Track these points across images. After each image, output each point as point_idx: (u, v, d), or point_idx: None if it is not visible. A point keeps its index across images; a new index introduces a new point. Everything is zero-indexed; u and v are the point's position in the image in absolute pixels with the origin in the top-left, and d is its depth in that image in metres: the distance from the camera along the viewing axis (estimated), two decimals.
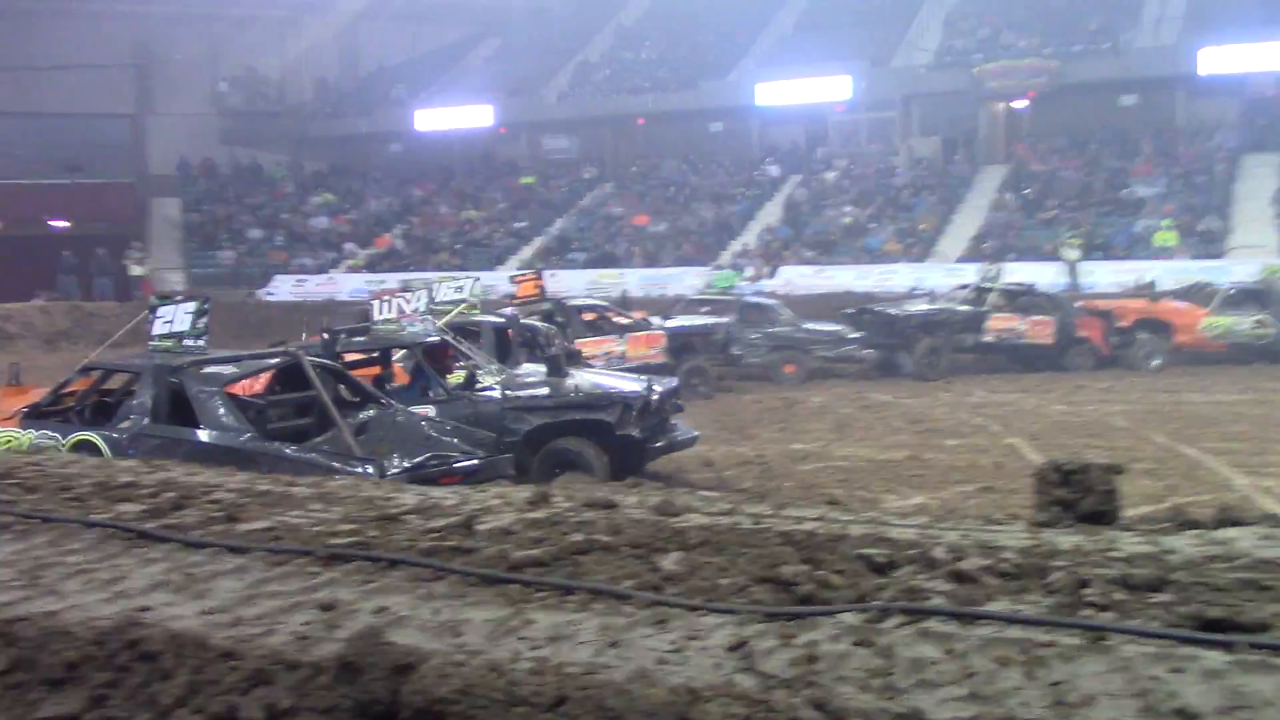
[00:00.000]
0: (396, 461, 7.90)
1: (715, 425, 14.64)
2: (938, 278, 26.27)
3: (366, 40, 47.27)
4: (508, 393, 10.14)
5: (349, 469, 7.41)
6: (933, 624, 2.98)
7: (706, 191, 36.64)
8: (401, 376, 10.94)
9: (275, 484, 5.26)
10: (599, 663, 2.87)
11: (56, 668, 3.23)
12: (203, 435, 8.05)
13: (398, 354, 11.15)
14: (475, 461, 8.24)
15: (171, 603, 3.56)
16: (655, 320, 18.76)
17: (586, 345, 16.60)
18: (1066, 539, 3.82)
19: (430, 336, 10.88)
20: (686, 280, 28.60)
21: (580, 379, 10.83)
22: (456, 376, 10.54)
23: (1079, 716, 2.39)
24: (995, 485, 10.31)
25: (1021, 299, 20.84)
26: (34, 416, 8.85)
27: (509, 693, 2.66)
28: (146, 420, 8.20)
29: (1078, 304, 21.37)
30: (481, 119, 39.70)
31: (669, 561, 3.70)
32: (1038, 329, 20.20)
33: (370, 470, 7.44)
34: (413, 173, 42.10)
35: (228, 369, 8.82)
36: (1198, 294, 21.21)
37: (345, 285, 32.19)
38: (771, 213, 34.56)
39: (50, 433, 8.38)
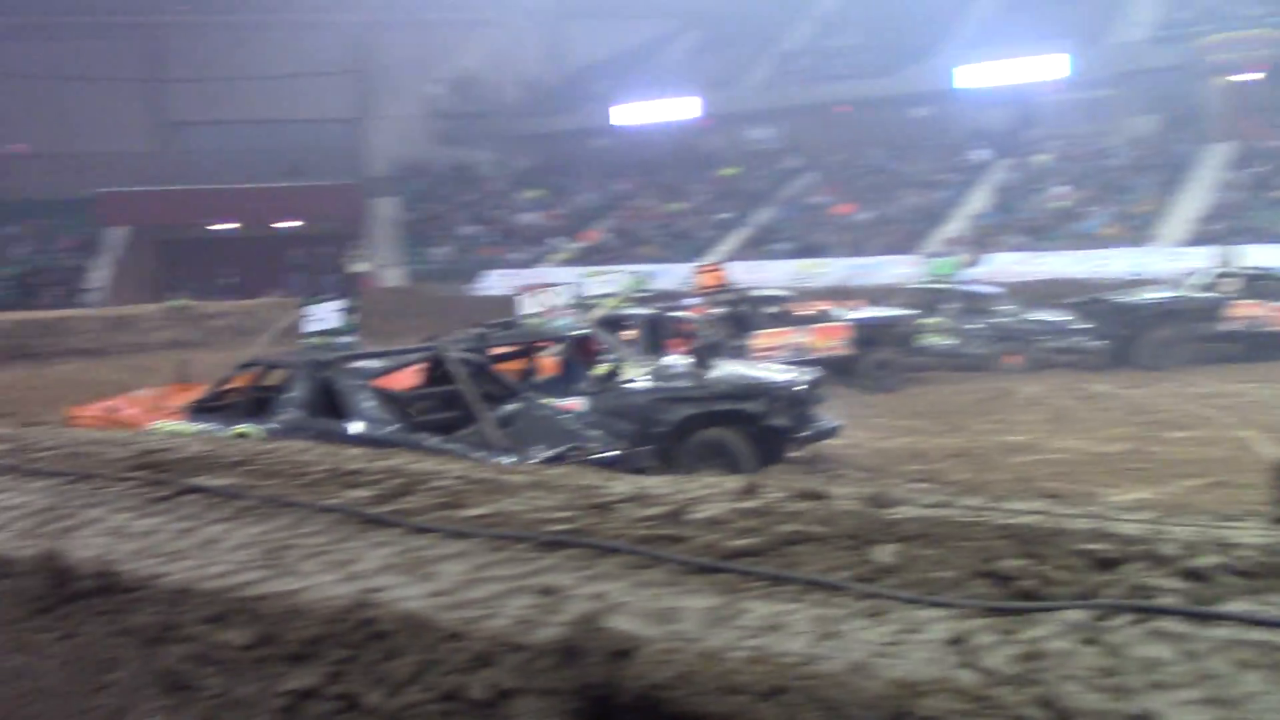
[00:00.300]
0: (537, 452, 8.09)
1: (924, 417, 14.37)
2: (1159, 263, 25.07)
3: (570, 38, 48.20)
4: (656, 384, 10.32)
5: (489, 459, 7.61)
6: (1165, 623, 2.86)
7: (911, 178, 35.94)
8: (546, 369, 11.25)
9: (493, 472, 5.43)
10: (815, 653, 2.87)
11: (297, 643, 3.42)
12: (351, 427, 8.37)
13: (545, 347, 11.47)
14: (616, 452, 8.42)
15: (400, 584, 3.73)
16: (838, 312, 18.53)
17: (768, 337, 16.54)
18: None
19: (577, 330, 11.14)
20: (892, 269, 28.14)
21: (727, 370, 10.98)
22: (601, 369, 10.80)
23: None
24: (1226, 480, 9.78)
25: (1261, 284, 19.59)
26: (197, 411, 9.34)
27: (726, 680, 2.69)
28: (300, 413, 8.60)
29: None
30: (683, 112, 39.97)
31: (884, 553, 3.66)
32: None
33: (512, 460, 7.63)
34: (617, 167, 42.69)
35: (374, 364, 9.18)
36: None
37: (553, 279, 32.88)
38: (979, 198, 33.63)
39: (213, 426, 8.77)
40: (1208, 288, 19.54)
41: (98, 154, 40.49)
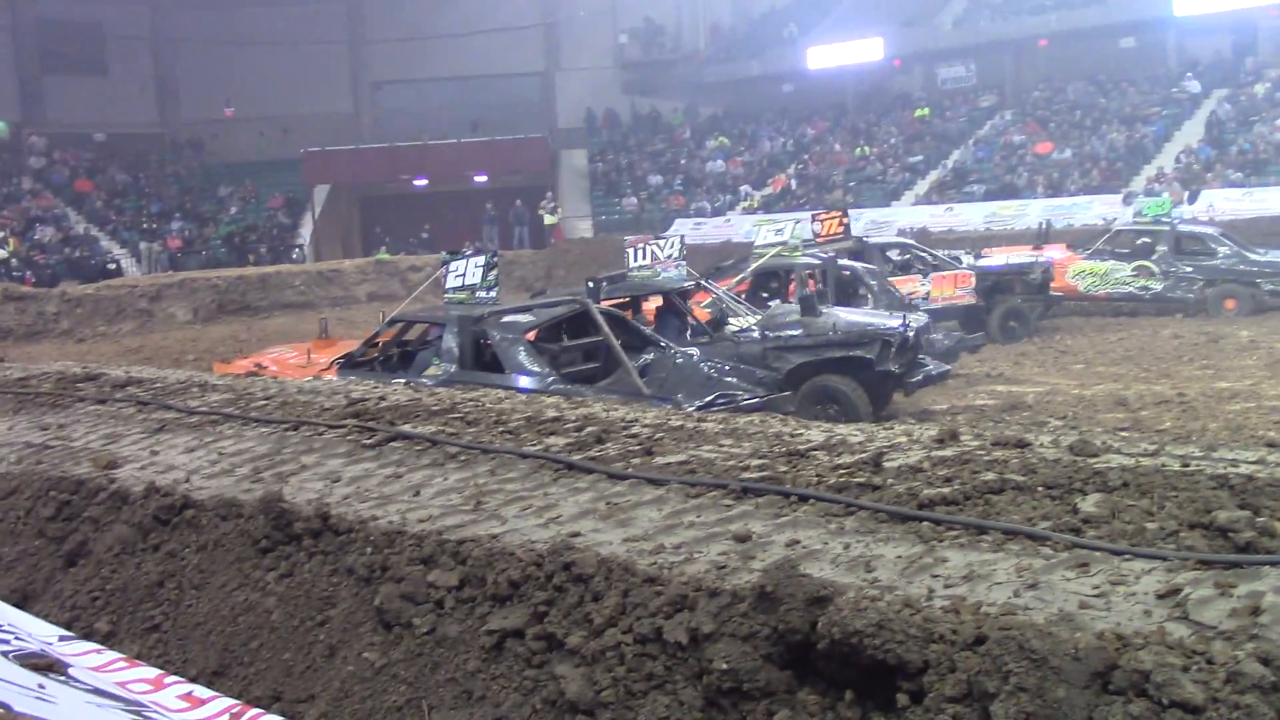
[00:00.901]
0: (687, 400, 8.24)
1: (1129, 363, 13.80)
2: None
3: None
4: (768, 333, 10.41)
5: (656, 403, 7.73)
6: None
7: (1116, 113, 34.24)
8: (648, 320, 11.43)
9: (687, 420, 5.48)
10: (1017, 604, 2.82)
11: (502, 585, 3.54)
12: (510, 380, 8.57)
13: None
14: (758, 399, 8.57)
15: (599, 529, 3.81)
16: (966, 259, 17.82)
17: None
18: None
19: (685, 282, 11.29)
20: (1094, 209, 26.99)
21: (837, 317, 11.01)
22: (700, 318, 11.06)
23: None
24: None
25: None
26: (348, 365, 9.66)
27: (925, 629, 2.67)
28: (454, 367, 8.83)
29: None
30: (873, 53, 38.98)
31: (1088, 503, 3.55)
32: None
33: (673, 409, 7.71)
34: (805, 112, 42.06)
35: (524, 317, 9.36)
36: None
37: (740, 227, 32.75)
38: (1191, 133, 31.83)
39: (364, 380, 8.97)
40: None
41: (302, 115, 42.12)
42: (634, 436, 5.03)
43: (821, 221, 18.06)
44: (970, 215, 29.69)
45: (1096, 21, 35.41)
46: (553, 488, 4.39)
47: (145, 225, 37.31)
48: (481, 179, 40.91)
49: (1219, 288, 17.93)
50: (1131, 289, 18.67)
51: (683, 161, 41.00)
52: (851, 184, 35.35)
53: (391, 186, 41.83)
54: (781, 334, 10.43)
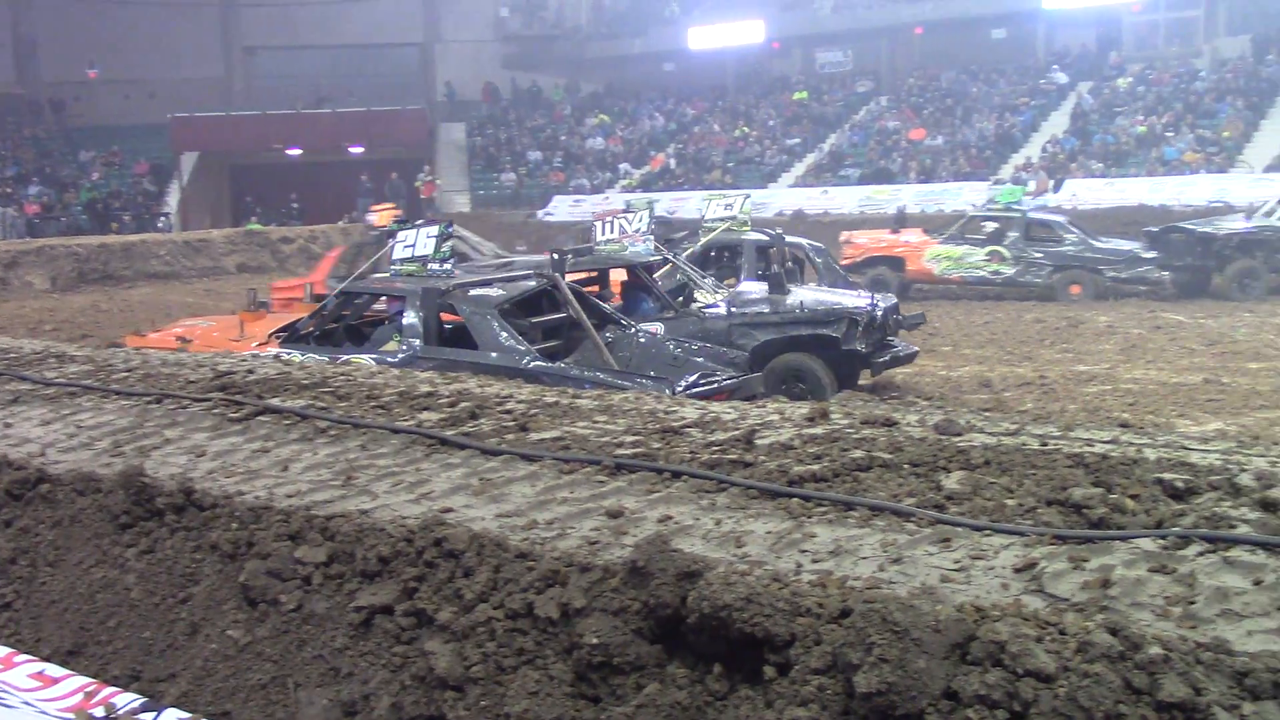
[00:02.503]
0: (682, 380, 7.97)
1: (992, 345, 14.20)
2: (1242, 190, 24.38)
3: None
4: (733, 309, 10.28)
5: (641, 389, 7.38)
6: (1239, 553, 2.83)
7: (987, 102, 35.17)
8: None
9: (562, 396, 5.47)
10: (882, 578, 2.88)
11: (371, 561, 3.50)
12: (484, 357, 8.17)
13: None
14: (734, 380, 8.35)
15: (471, 505, 3.79)
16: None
17: None
18: None
19: (653, 256, 11.05)
20: (964, 196, 27.68)
21: (804, 295, 10.89)
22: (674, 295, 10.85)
23: None
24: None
25: None
26: (293, 339, 9.04)
27: (792, 603, 2.71)
28: (419, 343, 8.37)
29: None
30: (754, 34, 39.35)
31: (952, 480, 3.65)
32: None
33: (665, 390, 7.46)
34: (686, 91, 42.26)
35: (494, 291, 8.91)
36: None
37: (619, 205, 32.77)
38: (1057, 123, 32.86)
39: (317, 356, 8.35)
40: None
41: (169, 80, 40.85)
42: (509, 412, 5.01)
43: (377, 213, 18.52)
44: (845, 199, 30.21)
45: (969, 12, 36.33)
46: (425, 463, 4.34)
47: (1, 190, 35.78)
48: (358, 150, 40.19)
49: (1065, 273, 18.66)
50: (984, 273, 19.31)
51: (563, 138, 40.87)
52: (730, 165, 35.66)
53: (264, 155, 40.79)
54: (747, 310, 10.33)
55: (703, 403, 5.47)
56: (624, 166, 37.55)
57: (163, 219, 36.45)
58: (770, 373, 9.72)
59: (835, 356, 9.94)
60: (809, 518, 3.43)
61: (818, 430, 4.40)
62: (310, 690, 3.34)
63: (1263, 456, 3.84)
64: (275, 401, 5.42)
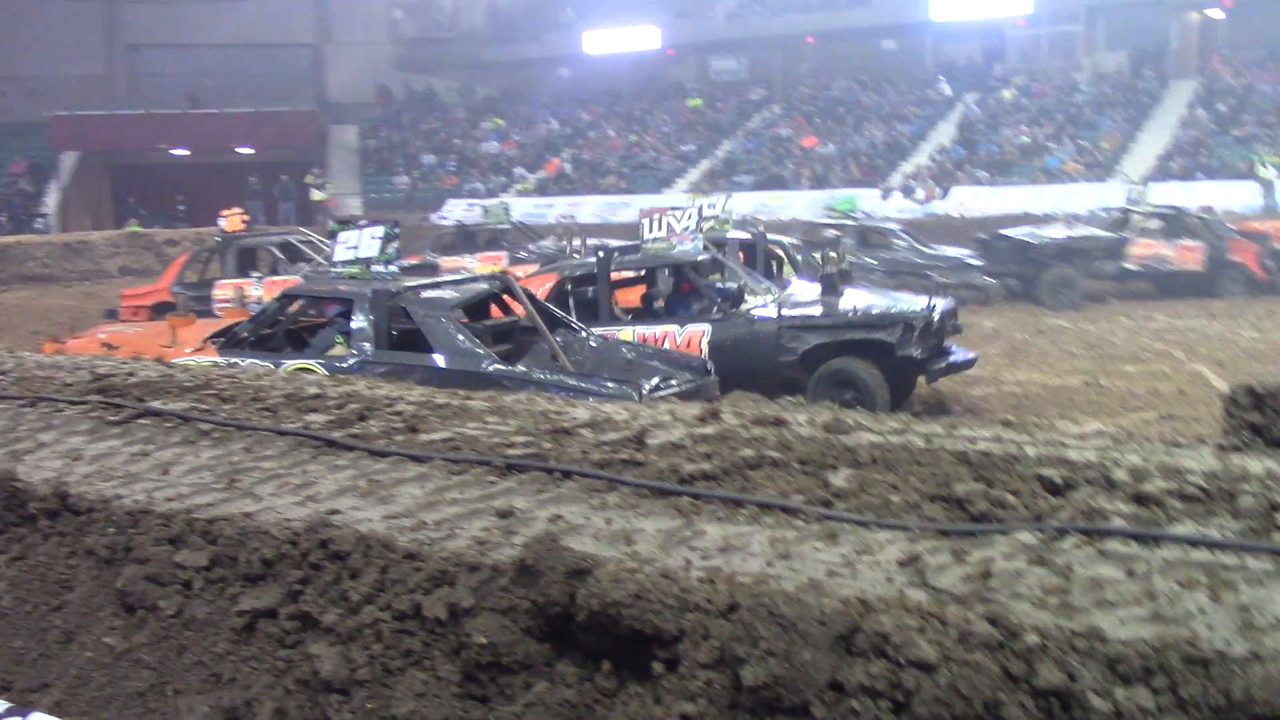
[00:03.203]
0: (646, 384, 7.74)
1: None
2: (1119, 198, 25.22)
3: None
4: (783, 311, 9.87)
5: (607, 393, 7.19)
6: (1113, 545, 2.92)
7: (877, 111, 35.82)
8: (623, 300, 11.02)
9: (453, 398, 5.42)
10: (770, 573, 2.90)
11: (254, 564, 3.42)
12: (443, 361, 7.84)
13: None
14: (695, 383, 8.17)
15: (358, 507, 3.73)
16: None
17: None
18: (1258, 463, 3.67)
19: (701, 255, 10.68)
20: (857, 203, 28.09)
21: (857, 297, 10.48)
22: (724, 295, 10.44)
23: (1269, 640, 2.31)
24: (1178, 413, 9.95)
25: (1169, 223, 19.77)
26: (230, 345, 8.68)
27: (681, 599, 2.72)
28: (370, 347, 8.04)
29: (1231, 226, 20.13)
30: (649, 41, 39.54)
31: (839, 478, 3.69)
32: (1185, 255, 19.11)
33: (631, 393, 7.25)
34: (581, 97, 42.29)
35: (448, 293, 8.60)
36: None
37: (515, 210, 32.62)
38: (944, 132, 33.61)
39: (260, 362, 8.05)
40: (1114, 226, 19.80)
41: (49, 77, 39.59)
42: (398, 414, 4.94)
43: (226, 218, 18.62)
44: (739, 205, 30.40)
45: (860, 22, 36.99)
46: (311, 465, 4.26)
47: None
48: (246, 151, 39.39)
49: (896, 279, 19.25)
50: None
51: (457, 141, 40.60)
52: (625, 170, 35.75)
53: (148, 156, 39.75)
54: (797, 313, 9.90)
55: (594, 402, 5.46)
56: (519, 171, 37.42)
57: (40, 220, 35.32)
58: (821, 378, 9.41)
59: (889, 363, 9.55)
60: (699, 515, 3.45)
61: (709, 430, 4.43)
62: (190, 697, 3.26)
63: (1136, 453, 3.96)
64: (157, 404, 5.27)
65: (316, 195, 35.23)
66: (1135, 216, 20.02)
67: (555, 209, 31.43)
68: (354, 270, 8.78)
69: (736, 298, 10.20)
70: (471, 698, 2.90)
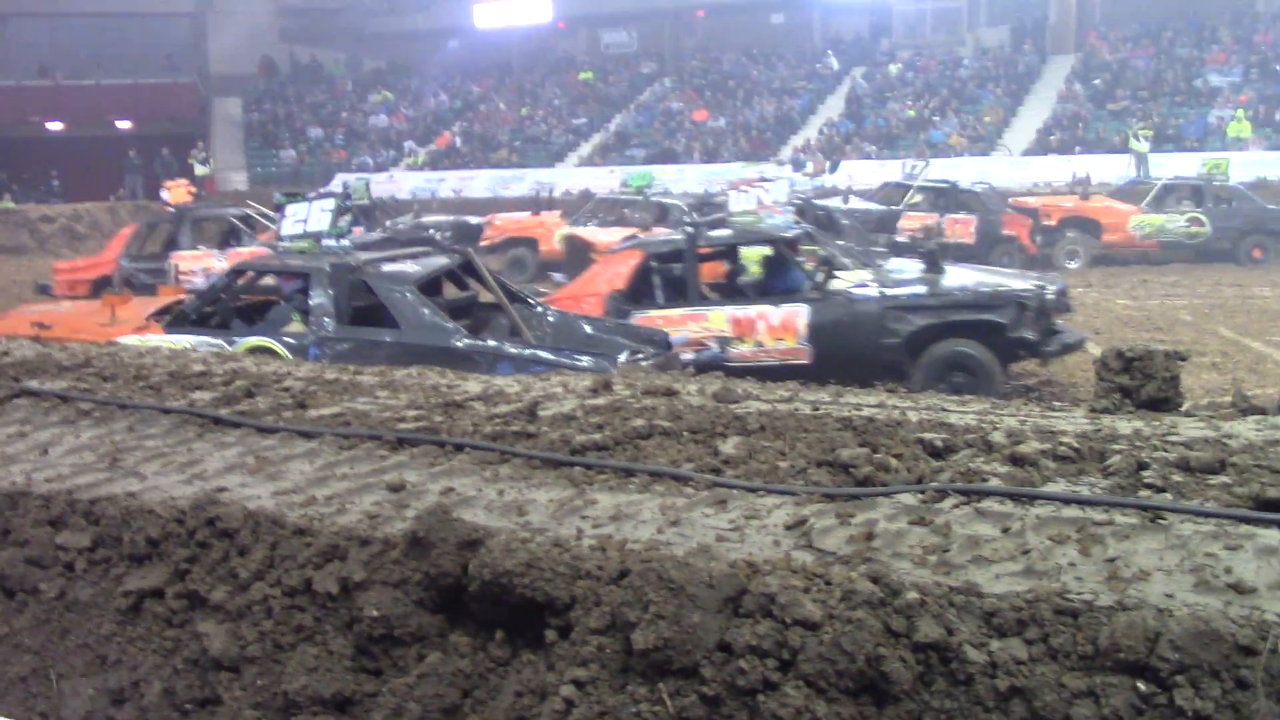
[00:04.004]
0: (619, 357, 7.50)
1: None
2: (1002, 171, 25.84)
3: None
4: (885, 290, 9.25)
5: (580, 365, 6.96)
6: (990, 504, 3.02)
7: (767, 85, 36.11)
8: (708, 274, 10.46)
9: (343, 373, 5.37)
10: (660, 540, 2.95)
11: (139, 544, 3.36)
12: (409, 336, 7.61)
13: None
14: (662, 356, 7.98)
15: (246, 484, 3.68)
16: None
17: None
18: (1126, 424, 3.82)
19: (791, 230, 10.12)
20: (745, 175, 28.34)
21: (963, 275, 9.91)
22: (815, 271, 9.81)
23: (1133, 590, 2.42)
24: (1056, 377, 10.25)
25: (944, 197, 20.41)
26: (178, 322, 8.29)
27: (573, 567, 2.75)
28: (331, 322, 7.75)
29: (1008, 201, 20.90)
30: (540, 14, 39.29)
31: (728, 445, 3.76)
32: (957, 227, 19.68)
33: (607, 366, 6.97)
34: (471, 70, 41.86)
35: (410, 267, 8.29)
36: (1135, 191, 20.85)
37: (405, 184, 32.26)
38: (833, 106, 34.05)
39: (212, 340, 7.75)
40: (889, 200, 20.44)
41: None
42: (286, 390, 4.88)
43: (170, 189, 18.26)
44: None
45: None
46: (197, 443, 4.19)
47: None
48: (125, 125, 38.22)
49: None
50: None
51: (344, 115, 39.93)
52: (516, 144, 35.54)
53: (20, 129, 38.33)
54: (902, 293, 9.23)
55: (485, 377, 5.45)
56: (409, 144, 36.95)
57: None
58: (930, 362, 8.89)
59: (999, 344, 8.97)
60: (591, 485, 3.48)
61: (600, 401, 4.46)
62: (74, 680, 3.20)
63: (1013, 416, 4.09)
64: (33, 384, 5.13)
65: (199, 170, 34.34)
66: (911, 190, 20.65)
67: (447, 183, 31.14)
68: (303, 245, 8.44)
69: (826, 275, 9.55)
70: (365, 670, 2.90)
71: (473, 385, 4.97)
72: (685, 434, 3.93)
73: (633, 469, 3.56)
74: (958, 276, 9.73)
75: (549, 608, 2.73)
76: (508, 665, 2.78)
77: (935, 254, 10.01)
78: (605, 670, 2.58)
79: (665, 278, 9.79)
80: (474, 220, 21.28)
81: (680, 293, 9.59)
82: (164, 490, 3.65)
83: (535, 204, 21.76)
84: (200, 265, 15.14)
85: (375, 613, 2.86)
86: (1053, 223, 20.11)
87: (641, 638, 2.47)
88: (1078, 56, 33.37)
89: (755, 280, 10.24)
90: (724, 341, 9.08)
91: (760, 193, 10.38)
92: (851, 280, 9.49)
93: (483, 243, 18.78)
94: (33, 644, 3.33)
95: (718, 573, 2.55)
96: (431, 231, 19.62)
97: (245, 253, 14.50)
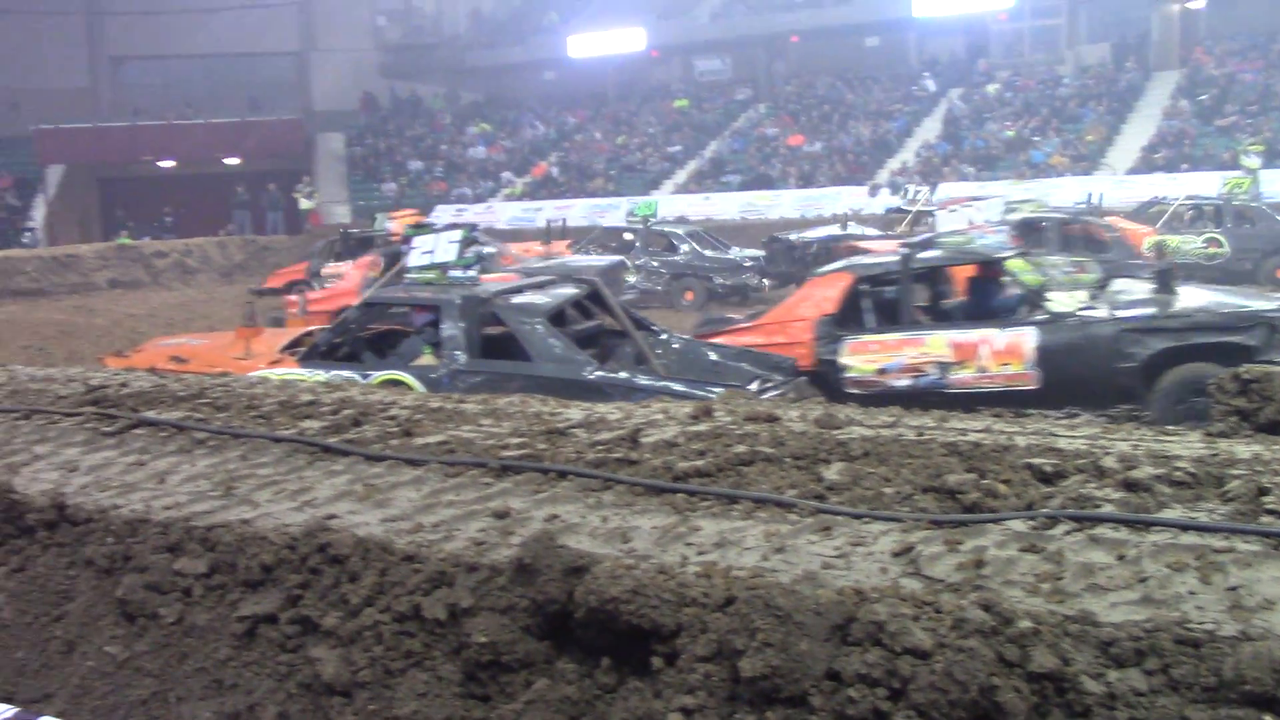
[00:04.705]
0: (751, 386, 7.39)
1: None
2: (1106, 190, 25.30)
3: None
4: (1118, 312, 8.71)
5: (712, 396, 6.58)
6: (1103, 531, 2.95)
7: (862, 109, 35.87)
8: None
9: (446, 401, 5.45)
10: (765, 566, 2.94)
11: (254, 570, 3.44)
12: (541, 369, 7.55)
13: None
14: (791, 383, 7.84)
15: (356, 511, 3.75)
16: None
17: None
18: (1244, 448, 3.71)
19: (1006, 250, 9.63)
20: (842, 200, 28.19)
21: (1196, 295, 9.26)
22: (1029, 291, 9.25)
23: (1258, 619, 2.35)
24: None
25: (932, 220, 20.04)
26: (312, 356, 8.29)
27: (678, 594, 2.74)
28: (463, 355, 7.73)
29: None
30: (633, 43, 39.53)
31: (832, 471, 3.73)
32: None
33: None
34: (567, 100, 42.27)
35: (539, 298, 8.23)
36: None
37: (503, 214, 32.68)
38: (930, 128, 33.67)
39: (346, 374, 7.76)
40: (892, 225, 20.13)
41: (33, 90, 39.47)
42: (392, 418, 4.97)
43: (395, 219, 18.39)
44: (726, 205, 30.53)
45: (844, 20, 37.00)
46: (308, 471, 4.28)
47: None
48: (233, 161, 39.32)
49: (680, 281, 19.51)
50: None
51: (443, 147, 40.55)
52: (613, 172, 35.77)
53: (134, 168, 39.60)
54: (1138, 315, 8.65)
55: (587, 404, 5.48)
56: (506, 175, 37.41)
57: (28, 234, 35.16)
58: (1169, 388, 8.33)
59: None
60: (694, 512, 3.48)
61: (702, 427, 4.45)
62: (193, 704, 3.28)
63: (1125, 440, 4.00)
64: (151, 414, 5.29)
65: (304, 204, 35.19)
66: (909, 214, 20.39)
67: (544, 213, 31.47)
68: (430, 276, 8.42)
69: (1038, 295, 9.05)
70: (473, 697, 2.93)
71: (575, 412, 5.01)
72: (788, 460, 3.91)
73: (736, 495, 3.55)
74: (1192, 297, 9.10)
75: (655, 635, 2.73)
76: (614, 692, 2.79)
77: (1168, 274, 9.38)
78: (712, 698, 2.57)
79: (876, 301, 9.38)
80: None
81: (892, 316, 9.22)
82: (276, 517, 3.74)
83: (546, 234, 21.91)
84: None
85: (483, 639, 2.89)
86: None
87: (749, 665, 2.46)
88: (1182, 72, 32.58)
89: (969, 302, 9.80)
90: (944, 367, 8.65)
91: (971, 212, 9.96)
92: (1072, 302, 8.96)
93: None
94: (153, 668, 3.42)
95: (825, 600, 2.53)
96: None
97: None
